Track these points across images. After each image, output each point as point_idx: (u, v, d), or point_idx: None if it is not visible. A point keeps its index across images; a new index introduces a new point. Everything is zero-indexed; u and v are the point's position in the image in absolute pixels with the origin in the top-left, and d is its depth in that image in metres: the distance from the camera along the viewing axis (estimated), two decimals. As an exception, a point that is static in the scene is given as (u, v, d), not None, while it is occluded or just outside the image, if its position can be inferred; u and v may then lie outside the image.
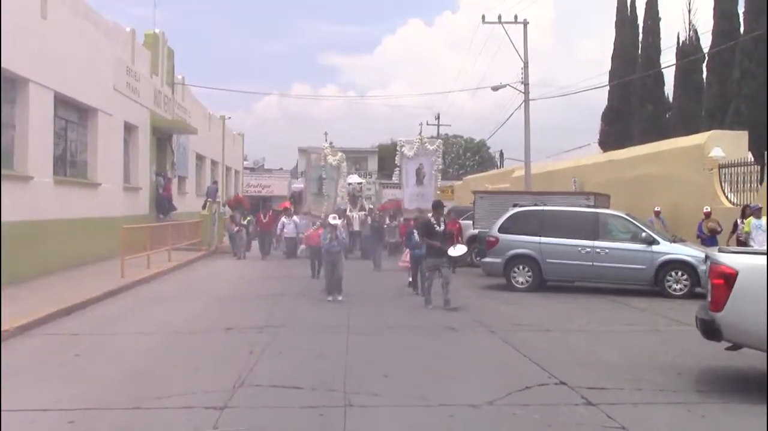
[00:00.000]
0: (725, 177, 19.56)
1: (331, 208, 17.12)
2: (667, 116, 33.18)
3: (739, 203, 18.63)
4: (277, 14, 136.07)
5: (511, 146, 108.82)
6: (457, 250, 13.64)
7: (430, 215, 13.94)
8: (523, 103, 31.94)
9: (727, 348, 7.18)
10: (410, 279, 15.64)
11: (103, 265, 18.04)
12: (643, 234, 15.24)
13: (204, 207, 28.22)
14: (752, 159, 19.40)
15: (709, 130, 24.57)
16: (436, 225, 13.26)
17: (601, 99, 78.50)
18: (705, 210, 18.44)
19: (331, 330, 10.89)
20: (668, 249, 15.05)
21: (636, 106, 33.73)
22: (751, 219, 15.86)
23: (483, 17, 32.27)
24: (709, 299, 6.76)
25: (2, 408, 6.10)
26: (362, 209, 26.64)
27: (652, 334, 10.68)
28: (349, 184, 25.16)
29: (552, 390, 7.17)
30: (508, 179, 39.15)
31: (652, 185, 22.13)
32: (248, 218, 26.25)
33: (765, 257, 6.52)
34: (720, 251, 7.07)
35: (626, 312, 13.01)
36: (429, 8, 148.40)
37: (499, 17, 32.25)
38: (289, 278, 18.32)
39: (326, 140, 17.87)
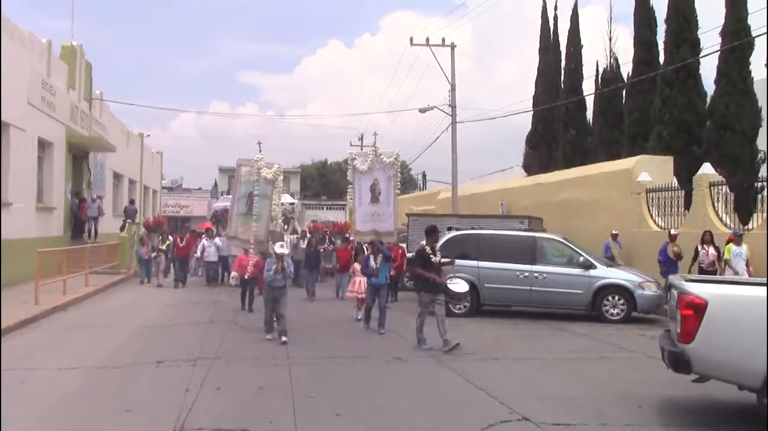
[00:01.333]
0: (653, 201, 19.90)
1: (261, 231, 14.46)
2: (589, 140, 33.89)
3: (666, 227, 18.94)
4: (196, 32, 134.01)
5: (433, 169, 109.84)
6: (459, 286, 11.94)
7: (424, 243, 11.76)
8: (451, 126, 32.14)
9: (695, 380, 7.00)
10: (359, 315, 14.26)
11: (14, 290, 16.78)
12: (581, 259, 15.23)
13: (122, 229, 26.97)
14: (677, 184, 19.82)
15: (630, 155, 25.15)
16: (431, 255, 11.48)
17: (520, 123, 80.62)
18: (672, 232, 17.38)
19: (271, 361, 10.29)
20: (605, 274, 15.09)
21: (559, 130, 34.32)
22: (731, 246, 15.92)
23: (411, 39, 32.36)
24: (678, 330, 6.55)
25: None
26: (294, 231, 24.79)
27: (599, 362, 10.50)
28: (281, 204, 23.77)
29: (516, 428, 6.81)
30: (434, 201, 39.21)
31: (580, 209, 22.37)
32: (168, 242, 23.47)
33: (734, 286, 6.36)
34: (685, 279, 6.88)
35: (567, 338, 12.86)
36: (349, 30, 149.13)
37: (427, 39, 32.41)
38: (217, 304, 17.53)
39: (260, 151, 14.36)
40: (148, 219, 26.95)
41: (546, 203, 24.05)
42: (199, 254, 22.67)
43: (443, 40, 32.85)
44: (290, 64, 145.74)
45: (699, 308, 6.35)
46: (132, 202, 31.72)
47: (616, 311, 14.79)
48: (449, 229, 17.14)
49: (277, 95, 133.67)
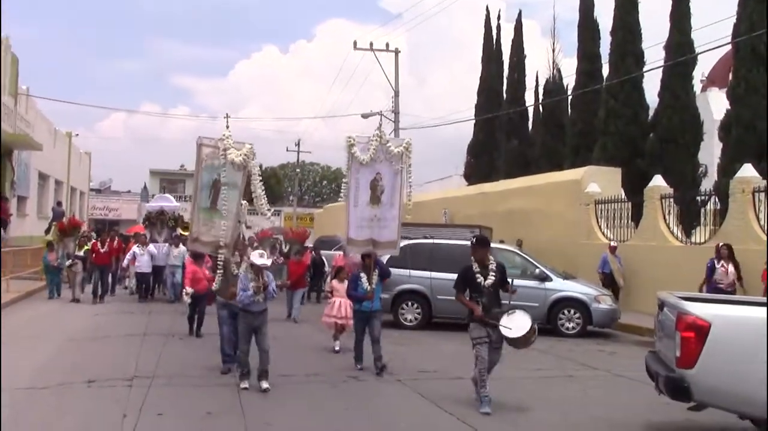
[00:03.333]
0: (601, 213, 19.74)
1: (229, 233, 9.93)
2: (531, 150, 33.89)
3: (614, 239, 18.77)
4: (128, 31, 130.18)
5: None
6: (515, 323, 7.96)
7: (473, 261, 8.27)
8: (394, 132, 31.61)
9: (690, 408, 6.49)
10: (336, 346, 11.85)
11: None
12: (537, 270, 14.80)
13: (48, 231, 25.41)
14: (624, 196, 19.72)
15: (573, 166, 25.11)
16: (479, 275, 8.10)
17: (459, 132, 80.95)
18: (612, 244, 17.86)
19: (216, 380, 9.44)
20: (561, 286, 14.70)
21: (502, 140, 34.21)
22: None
23: (355, 43, 31.92)
24: (677, 353, 6.03)
25: None
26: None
27: (567, 381, 10.02)
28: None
29: (500, 460, 6.17)
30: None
31: (526, 219, 22.09)
32: (86, 247, 20.14)
33: (739, 306, 5.89)
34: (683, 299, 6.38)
35: (530, 355, 12.26)
36: (284, 36, 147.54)
37: (371, 44, 31.98)
38: (151, 314, 16.45)
39: (227, 126, 10.06)
40: (62, 221, 23.31)
41: (491, 212, 23.69)
42: (125, 263, 19.78)
43: (387, 45, 32.45)
44: (224, 68, 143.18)
45: (701, 330, 5.85)
46: (59, 204, 30.08)
47: (571, 325, 14.41)
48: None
49: (210, 99, 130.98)
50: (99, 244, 19.51)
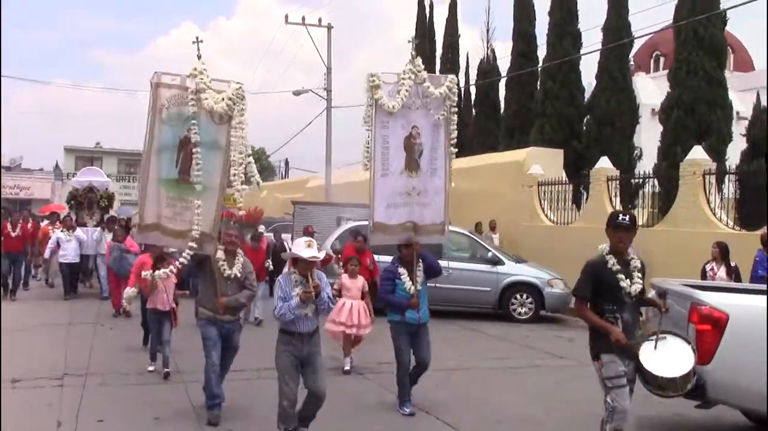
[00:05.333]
0: (544, 195, 19.45)
1: (211, 216, 6.94)
2: (465, 131, 33.59)
3: (558, 221, 18.53)
4: (37, 2, 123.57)
5: (294, 156, 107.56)
6: (670, 352, 5.20)
7: (603, 248, 5.46)
8: (326, 110, 30.72)
9: (698, 406, 6.03)
10: (347, 364, 9.07)
11: None
12: (489, 254, 14.32)
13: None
14: (566, 179, 19.50)
15: (508, 148, 24.83)
16: (620, 277, 5.29)
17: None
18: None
19: (157, 378, 8.48)
20: (513, 270, 14.26)
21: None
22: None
23: (286, 17, 30.70)
24: (690, 348, 5.52)
25: None
26: None
27: (538, 372, 9.55)
28: None
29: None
30: (302, 189, 37.65)
31: (467, 200, 21.55)
32: None
33: (758, 296, 5.42)
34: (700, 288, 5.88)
35: (486, 341, 11.88)
36: (204, 12, 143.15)
37: (303, 18, 30.86)
38: (74, 301, 15.19)
39: (199, 57, 7.07)
40: None
41: (429, 194, 23.15)
42: (48, 253, 16.15)
43: (320, 20, 31.41)
44: (141, 42, 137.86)
45: (719, 322, 5.38)
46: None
47: (524, 310, 14.00)
48: (342, 220, 15.70)
49: (126, 75, 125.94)
50: (9, 227, 15.79)
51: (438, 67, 34.38)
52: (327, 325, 8.85)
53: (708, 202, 14.48)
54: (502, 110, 30.77)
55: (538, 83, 26.09)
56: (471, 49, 57.20)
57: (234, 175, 6.80)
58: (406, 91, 7.17)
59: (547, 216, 19.20)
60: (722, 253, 10.98)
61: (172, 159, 6.92)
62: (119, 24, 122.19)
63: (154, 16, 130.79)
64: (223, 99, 6.78)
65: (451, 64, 33.91)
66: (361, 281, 9.17)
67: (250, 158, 6.88)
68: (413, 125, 7.31)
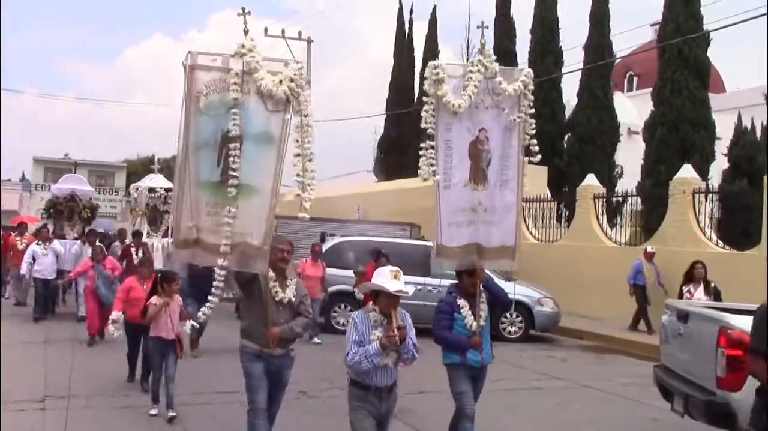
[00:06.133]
0: (528, 212, 19.32)
1: (263, 226, 5.52)
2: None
3: (543, 239, 18.40)
4: (7, 11, 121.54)
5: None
6: None
7: None
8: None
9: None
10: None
11: None
12: (478, 272, 14.06)
13: None
14: (550, 196, 19.43)
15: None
16: None
17: (365, 128, 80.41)
18: (648, 249, 14.26)
19: (146, 400, 8.02)
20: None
21: (412, 136, 33.62)
22: None
23: (266, 30, 30.32)
24: (719, 373, 5.30)
25: None
26: (168, 233, 15.69)
27: (538, 394, 9.28)
28: (152, 191, 16.53)
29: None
30: (280, 203, 37.10)
31: (449, 217, 21.43)
32: None
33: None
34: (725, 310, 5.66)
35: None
36: (176, 24, 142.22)
37: (283, 31, 30.56)
38: (50, 319, 14.50)
39: (245, 32, 5.64)
40: None
41: (409, 209, 22.80)
42: (24, 268, 14.37)
43: (299, 33, 31.22)
44: (112, 54, 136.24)
45: (751, 347, 5.12)
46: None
47: (513, 329, 13.77)
48: (330, 235, 15.38)
49: (96, 85, 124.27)
50: None
51: (417, 82, 34.33)
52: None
53: (697, 221, 14.43)
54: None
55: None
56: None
57: (298, 175, 5.51)
58: (475, 86, 5.90)
59: (531, 233, 19.06)
60: (700, 273, 10.29)
61: (214, 158, 5.55)
62: (90, 35, 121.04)
63: (125, 28, 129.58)
64: (281, 81, 5.43)
65: (430, 79, 33.89)
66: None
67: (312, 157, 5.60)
68: (480, 127, 6.06)
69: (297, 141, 5.51)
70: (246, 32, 5.62)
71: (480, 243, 6.00)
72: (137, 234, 15.01)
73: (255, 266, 5.47)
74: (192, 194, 5.61)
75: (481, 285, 5.87)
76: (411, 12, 35.77)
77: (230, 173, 5.40)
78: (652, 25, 38.48)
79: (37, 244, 14.44)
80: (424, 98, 5.90)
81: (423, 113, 5.88)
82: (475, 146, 6.02)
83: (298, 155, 5.51)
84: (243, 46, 5.51)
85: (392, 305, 4.64)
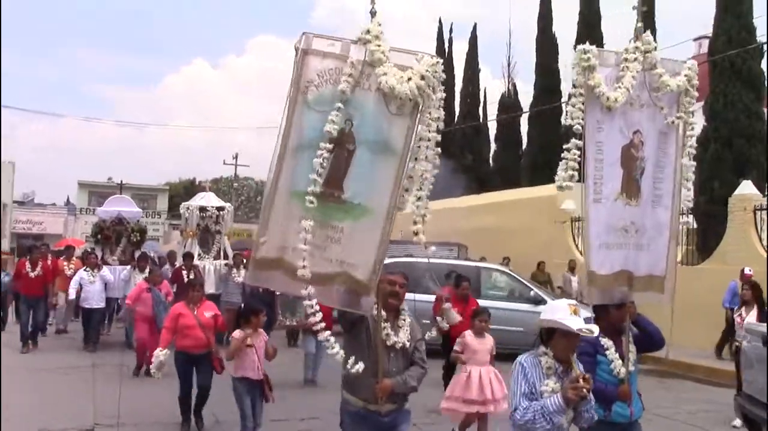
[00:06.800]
0: (578, 231, 18.85)
1: (371, 257, 4.55)
2: (486, 166, 33.23)
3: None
4: (50, 37, 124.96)
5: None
6: None
7: None
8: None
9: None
10: None
11: None
12: (531, 293, 13.69)
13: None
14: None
15: (530, 184, 24.34)
16: None
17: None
18: (747, 271, 12.29)
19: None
20: (556, 310, 13.56)
21: (455, 155, 33.38)
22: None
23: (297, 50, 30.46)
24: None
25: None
26: (220, 255, 15.53)
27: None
28: (203, 210, 15.38)
29: None
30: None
31: (496, 237, 21.04)
32: None
33: None
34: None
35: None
36: (215, 49, 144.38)
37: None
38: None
39: (372, 15, 4.61)
40: None
41: (456, 229, 22.52)
42: (71, 295, 13.46)
43: (340, 54, 31.22)
44: (152, 79, 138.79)
45: None
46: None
47: (567, 352, 13.30)
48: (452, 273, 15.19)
49: (138, 111, 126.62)
50: (28, 265, 13.33)
51: (458, 101, 34.15)
52: (447, 403, 7.33)
53: (759, 238, 13.86)
54: (524, 146, 30.49)
55: (563, 118, 25.73)
56: (487, 85, 56.90)
57: (418, 190, 4.64)
58: (633, 78, 4.77)
59: (581, 253, 18.55)
60: (755, 295, 9.52)
61: (320, 164, 4.56)
62: (132, 61, 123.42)
63: (165, 54, 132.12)
64: (410, 78, 4.50)
65: (471, 98, 33.70)
66: (490, 341, 7.40)
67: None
68: (635, 129, 4.90)
69: (416, 158, 4.62)
70: (373, 14, 4.60)
71: (630, 271, 4.88)
72: (188, 256, 14.14)
73: (363, 305, 4.50)
74: (283, 204, 4.56)
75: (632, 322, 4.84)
76: (451, 31, 35.66)
77: (313, 176, 4.43)
78: (695, 39, 38.10)
79: (84, 270, 13.60)
80: (571, 90, 4.87)
81: (569, 107, 4.82)
82: (629, 151, 4.88)
83: (413, 177, 4.63)
84: (368, 32, 4.55)
85: (571, 348, 3.83)
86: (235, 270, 13.99)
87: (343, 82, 4.46)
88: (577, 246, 18.70)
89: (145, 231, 17.14)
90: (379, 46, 4.50)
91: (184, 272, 13.41)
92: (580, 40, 25.01)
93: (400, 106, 4.53)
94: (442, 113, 4.68)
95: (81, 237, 36.25)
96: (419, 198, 4.63)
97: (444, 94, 4.73)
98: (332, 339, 4.41)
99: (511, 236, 20.52)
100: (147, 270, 12.71)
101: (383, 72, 4.48)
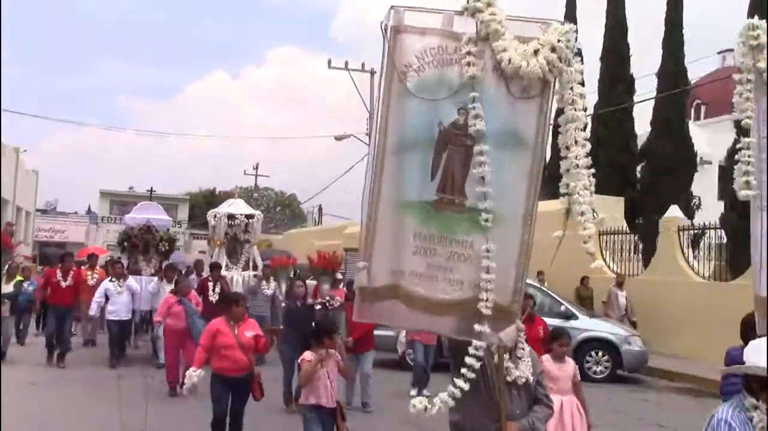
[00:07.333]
0: (606, 245, 18.57)
1: (509, 277, 4.02)
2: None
3: (622, 272, 17.60)
4: (73, 49, 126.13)
5: (325, 203, 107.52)
6: None
7: None
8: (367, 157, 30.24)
9: None
10: None
11: None
12: (561, 307, 13.44)
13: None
14: (627, 228, 18.70)
15: (553, 196, 24.00)
16: None
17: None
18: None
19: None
20: (588, 325, 13.34)
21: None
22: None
23: (329, 62, 30.52)
24: None
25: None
26: (249, 265, 15.13)
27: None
28: (231, 218, 14.91)
29: None
30: (339, 235, 36.96)
31: (535, 249, 20.74)
32: (16, 280, 13.72)
33: None
34: None
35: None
36: (234, 60, 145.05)
37: (346, 63, 30.75)
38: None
39: None
40: None
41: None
42: (95, 308, 12.89)
43: (363, 65, 31.22)
44: (173, 90, 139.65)
45: None
46: (11, 224, 27.36)
47: (599, 368, 13.04)
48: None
49: (159, 121, 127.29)
50: (60, 274, 12.71)
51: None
52: None
53: (797, 256, 13.51)
54: (548, 157, 30.16)
55: (589, 130, 25.43)
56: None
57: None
58: None
59: (609, 267, 18.27)
60: None
61: (426, 165, 3.80)
62: (152, 72, 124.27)
63: (185, 65, 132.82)
64: (536, 52, 3.68)
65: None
66: (571, 367, 6.17)
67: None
68: None
69: (566, 146, 3.87)
70: None
71: None
72: (215, 267, 13.47)
73: (503, 334, 3.75)
74: (389, 219, 3.76)
75: None
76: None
77: (480, 188, 3.70)
78: (719, 52, 37.66)
79: (110, 281, 12.94)
80: (735, 76, 4.12)
81: (735, 98, 4.09)
82: None
83: (567, 169, 3.89)
84: (474, 5, 3.71)
85: None
86: (264, 282, 13.58)
87: (469, 63, 3.68)
88: (605, 260, 18.36)
89: (175, 240, 16.48)
90: (494, 15, 3.66)
91: (210, 284, 12.85)
92: (606, 51, 24.80)
93: (525, 88, 3.74)
94: (583, 88, 3.88)
95: (102, 246, 36.39)
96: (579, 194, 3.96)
97: (583, 66, 3.87)
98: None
99: (535, 250, 20.18)
100: (174, 281, 12.30)
101: (502, 48, 3.67)
